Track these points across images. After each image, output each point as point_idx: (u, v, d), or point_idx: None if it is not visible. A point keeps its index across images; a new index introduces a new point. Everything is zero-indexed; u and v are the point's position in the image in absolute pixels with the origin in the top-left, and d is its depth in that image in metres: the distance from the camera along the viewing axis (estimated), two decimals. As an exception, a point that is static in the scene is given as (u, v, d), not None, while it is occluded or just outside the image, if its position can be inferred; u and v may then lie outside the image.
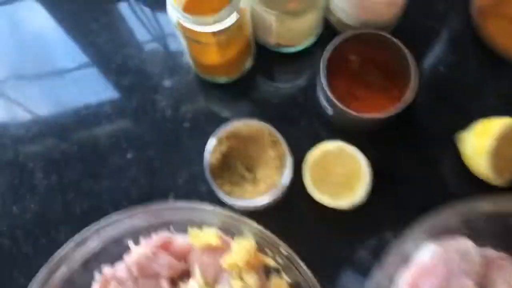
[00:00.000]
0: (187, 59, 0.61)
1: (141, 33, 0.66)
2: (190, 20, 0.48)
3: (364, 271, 0.54)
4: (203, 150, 0.59)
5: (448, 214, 0.47)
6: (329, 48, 0.55)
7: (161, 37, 0.66)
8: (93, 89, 0.64)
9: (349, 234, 0.56)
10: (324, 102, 0.57)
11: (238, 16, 0.49)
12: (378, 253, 0.54)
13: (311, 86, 0.62)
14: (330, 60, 0.55)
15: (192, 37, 0.51)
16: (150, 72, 0.64)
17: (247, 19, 0.52)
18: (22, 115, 0.63)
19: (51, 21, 0.67)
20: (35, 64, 0.65)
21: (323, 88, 0.55)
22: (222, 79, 0.61)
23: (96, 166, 0.60)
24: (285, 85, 0.63)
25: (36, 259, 0.55)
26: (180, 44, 0.65)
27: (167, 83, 0.63)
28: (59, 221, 0.58)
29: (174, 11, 0.48)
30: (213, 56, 0.55)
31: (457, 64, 0.63)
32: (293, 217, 0.57)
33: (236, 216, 0.46)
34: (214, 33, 0.49)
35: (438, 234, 0.49)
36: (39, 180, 0.59)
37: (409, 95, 0.53)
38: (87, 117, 0.62)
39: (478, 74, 0.62)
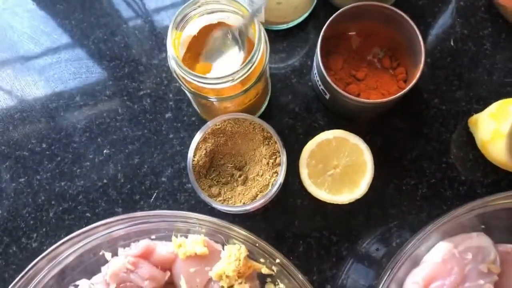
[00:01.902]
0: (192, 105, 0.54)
1: (118, 13, 0.59)
2: (204, 80, 0.41)
3: (369, 263, 0.50)
4: (188, 142, 0.54)
5: (461, 213, 0.42)
6: (327, 25, 0.48)
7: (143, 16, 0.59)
8: (61, 78, 0.57)
9: (351, 228, 0.52)
10: (320, 86, 0.51)
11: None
12: (382, 245, 0.51)
13: (306, 66, 0.56)
14: (327, 38, 0.49)
15: (200, 94, 0.44)
16: (127, 57, 0.57)
17: (266, 61, 0.45)
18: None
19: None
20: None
21: (319, 70, 0.49)
22: None
23: (69, 164, 0.54)
24: (277, 66, 0.56)
25: (6, 270, 0.51)
26: (161, 24, 0.59)
27: (145, 68, 0.57)
28: (31, 227, 0.52)
29: (179, 69, 0.41)
30: (226, 109, 0.49)
31: (468, 38, 0.56)
32: (289, 215, 0.52)
33: (223, 223, 0.41)
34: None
35: (453, 234, 0.44)
36: (6, 183, 0.53)
37: (418, 76, 0.47)
38: (55, 110, 0.56)
39: (492, 49, 0.56)
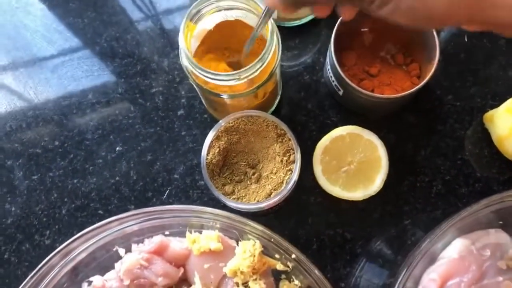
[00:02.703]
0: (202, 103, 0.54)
1: (130, 12, 0.59)
2: (216, 76, 0.41)
3: (384, 262, 0.50)
4: (201, 139, 0.54)
5: (479, 209, 0.41)
6: (340, 21, 0.48)
7: (152, 16, 0.59)
8: (74, 76, 0.57)
9: (365, 226, 0.51)
10: (334, 82, 0.50)
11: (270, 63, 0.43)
12: (397, 244, 0.50)
13: (319, 63, 0.56)
14: (340, 34, 0.48)
15: (211, 91, 0.44)
16: (139, 55, 0.57)
17: (277, 62, 0.45)
18: (-3, 108, 0.57)
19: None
20: (5, 51, 0.59)
21: (333, 66, 0.48)
22: None
23: (81, 161, 0.54)
24: (289, 63, 0.56)
25: (19, 267, 0.51)
26: (173, 22, 0.59)
27: (158, 66, 0.57)
28: (43, 224, 0.52)
29: (192, 66, 0.41)
30: (236, 107, 0.48)
31: (483, 34, 0.56)
32: (302, 212, 0.51)
33: (238, 218, 0.40)
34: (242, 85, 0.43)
35: (470, 231, 0.43)
36: (19, 180, 0.53)
37: (432, 72, 0.46)
38: (68, 107, 0.56)
39: (507, 45, 0.55)
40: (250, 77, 0.41)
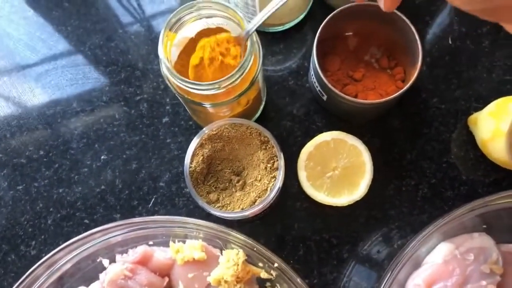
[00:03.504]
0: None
1: (114, 19, 0.59)
2: (196, 86, 0.40)
3: (371, 266, 0.50)
4: (186, 146, 0.54)
5: (462, 214, 0.41)
6: (323, 26, 0.48)
7: (138, 22, 0.59)
8: (58, 84, 0.57)
9: (351, 231, 0.51)
10: (317, 87, 0.50)
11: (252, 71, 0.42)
12: (383, 247, 0.50)
13: (303, 68, 0.56)
14: (324, 39, 0.48)
15: (193, 100, 0.44)
16: (123, 62, 0.57)
17: (259, 68, 0.44)
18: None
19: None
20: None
21: (316, 71, 0.48)
22: None
23: (66, 171, 0.54)
24: (274, 68, 0.56)
25: (5, 278, 0.51)
26: (157, 29, 0.59)
27: (142, 73, 0.56)
28: (29, 234, 0.52)
29: (172, 76, 0.41)
30: (219, 115, 0.48)
31: (466, 36, 0.56)
32: (288, 218, 0.51)
33: (220, 228, 0.40)
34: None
35: (454, 235, 0.43)
36: (4, 191, 0.53)
37: (416, 76, 0.46)
38: (53, 116, 0.55)
39: (491, 46, 0.55)
40: (230, 86, 0.41)
